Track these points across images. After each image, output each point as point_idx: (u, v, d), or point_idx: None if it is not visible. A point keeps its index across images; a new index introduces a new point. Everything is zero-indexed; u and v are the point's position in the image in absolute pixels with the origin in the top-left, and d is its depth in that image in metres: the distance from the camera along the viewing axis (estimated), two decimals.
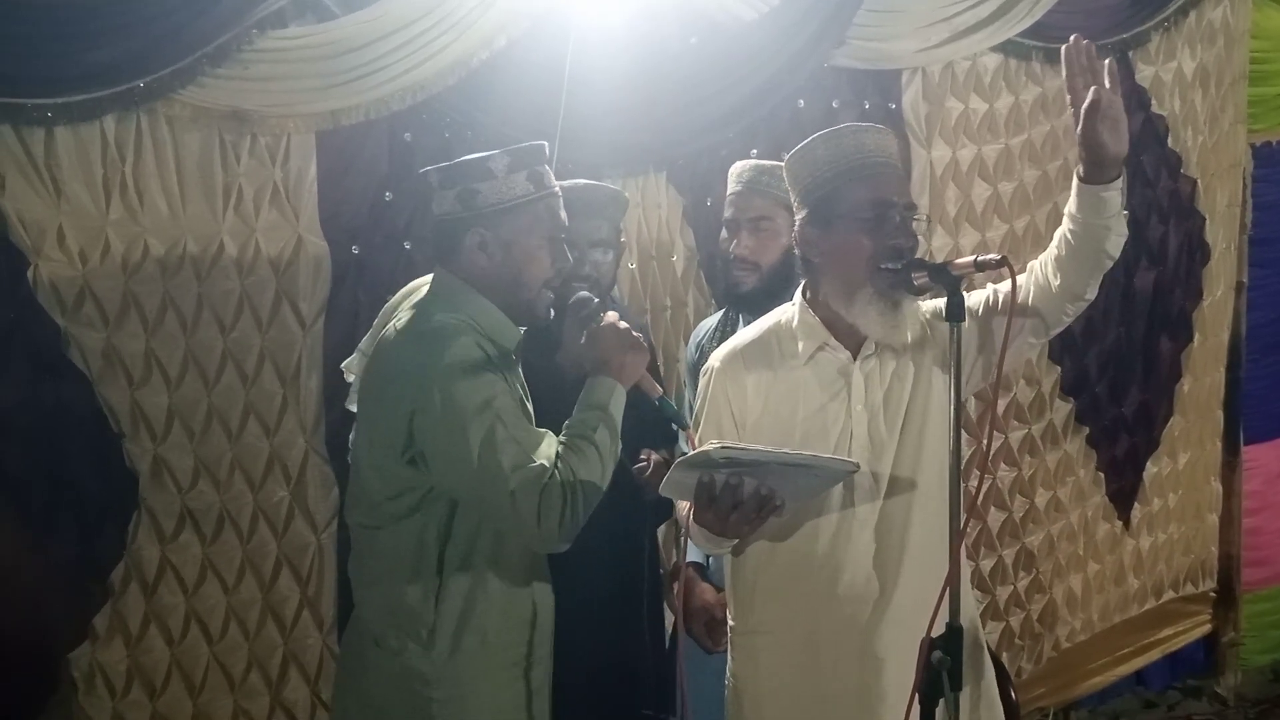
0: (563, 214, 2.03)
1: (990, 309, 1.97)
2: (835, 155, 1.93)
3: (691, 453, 1.79)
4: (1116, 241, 1.87)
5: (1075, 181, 1.84)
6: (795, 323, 2.01)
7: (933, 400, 1.96)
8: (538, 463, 1.83)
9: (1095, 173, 1.82)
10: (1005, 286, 1.88)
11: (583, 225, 2.33)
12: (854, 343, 1.97)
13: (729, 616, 2.12)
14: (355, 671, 2.08)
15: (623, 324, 2.02)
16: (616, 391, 1.96)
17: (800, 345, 1.98)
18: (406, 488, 1.92)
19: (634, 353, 2.00)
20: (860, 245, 1.89)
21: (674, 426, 2.27)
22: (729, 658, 2.11)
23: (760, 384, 2.00)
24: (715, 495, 1.80)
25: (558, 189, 2.04)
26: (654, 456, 2.22)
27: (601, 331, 2.00)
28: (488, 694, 1.99)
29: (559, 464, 1.85)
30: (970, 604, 2.00)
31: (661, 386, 2.69)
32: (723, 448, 1.75)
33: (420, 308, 1.98)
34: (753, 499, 1.80)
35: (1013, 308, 1.80)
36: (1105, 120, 1.79)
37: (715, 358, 2.07)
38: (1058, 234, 1.91)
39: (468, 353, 1.86)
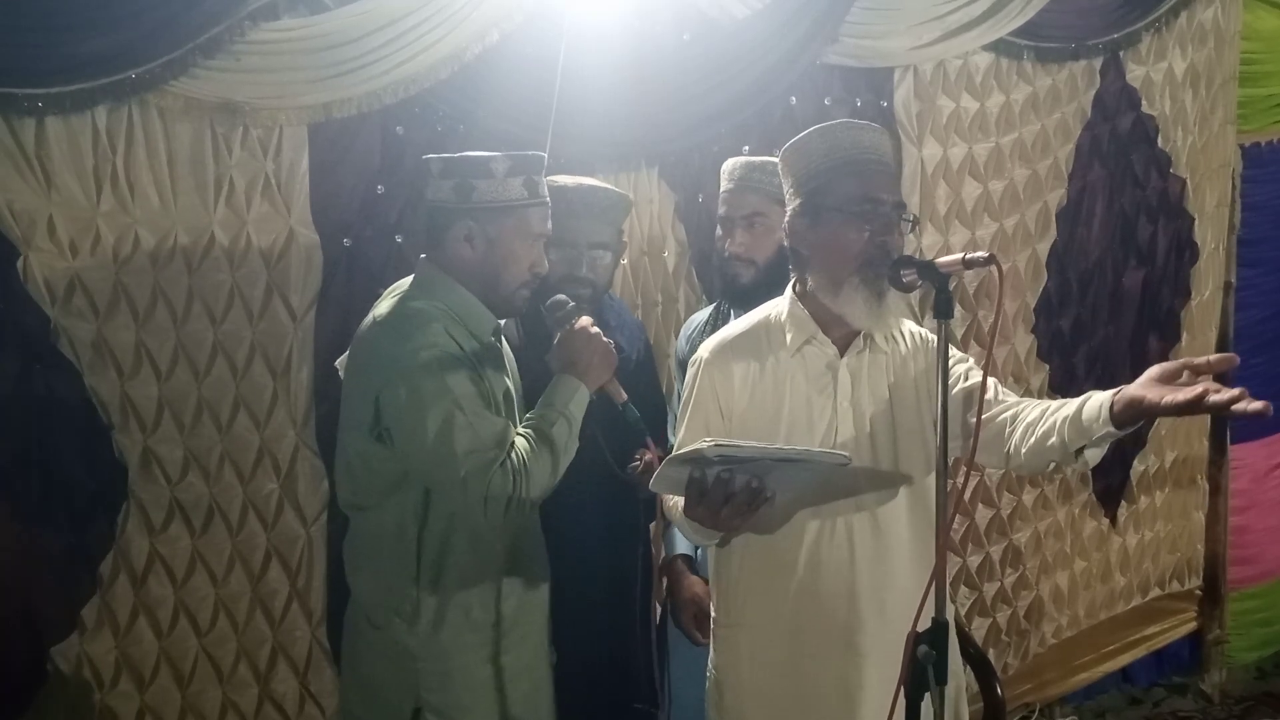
0: (548, 223, 2.13)
1: (967, 399, 1.93)
2: (830, 148, 1.95)
3: (685, 450, 1.80)
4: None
5: (1100, 412, 1.72)
6: (784, 316, 2.02)
7: (919, 400, 1.99)
8: (490, 450, 1.92)
9: (1131, 422, 1.70)
10: (981, 382, 1.86)
11: (585, 226, 2.38)
12: (842, 338, 1.98)
13: (712, 609, 2.14)
14: (352, 650, 2.20)
15: (594, 329, 2.10)
16: (579, 392, 2.06)
17: (789, 338, 2.00)
18: (381, 466, 2.02)
19: (601, 357, 2.09)
20: (848, 238, 1.91)
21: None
22: (711, 649, 2.13)
23: (748, 375, 2.01)
24: (706, 490, 1.81)
25: (548, 199, 2.13)
26: (647, 456, 2.23)
27: (573, 334, 2.09)
28: (473, 667, 2.08)
29: (511, 454, 1.93)
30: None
31: (659, 384, 2.73)
32: (716, 445, 1.75)
33: (400, 296, 2.09)
34: (744, 491, 1.81)
35: (1000, 298, 1.82)
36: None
37: (704, 348, 2.08)
38: (1048, 422, 1.81)
39: (435, 339, 1.96)
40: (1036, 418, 1.85)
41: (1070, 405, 1.80)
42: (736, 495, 1.81)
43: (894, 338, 2.02)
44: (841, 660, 1.95)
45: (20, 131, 2.25)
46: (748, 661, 2.05)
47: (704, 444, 1.75)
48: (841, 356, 1.98)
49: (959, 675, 2.06)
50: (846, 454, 1.84)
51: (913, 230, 1.99)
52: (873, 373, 1.99)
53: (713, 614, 2.13)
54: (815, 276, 1.97)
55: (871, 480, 1.96)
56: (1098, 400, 1.74)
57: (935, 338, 1.92)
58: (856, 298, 1.91)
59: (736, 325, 2.11)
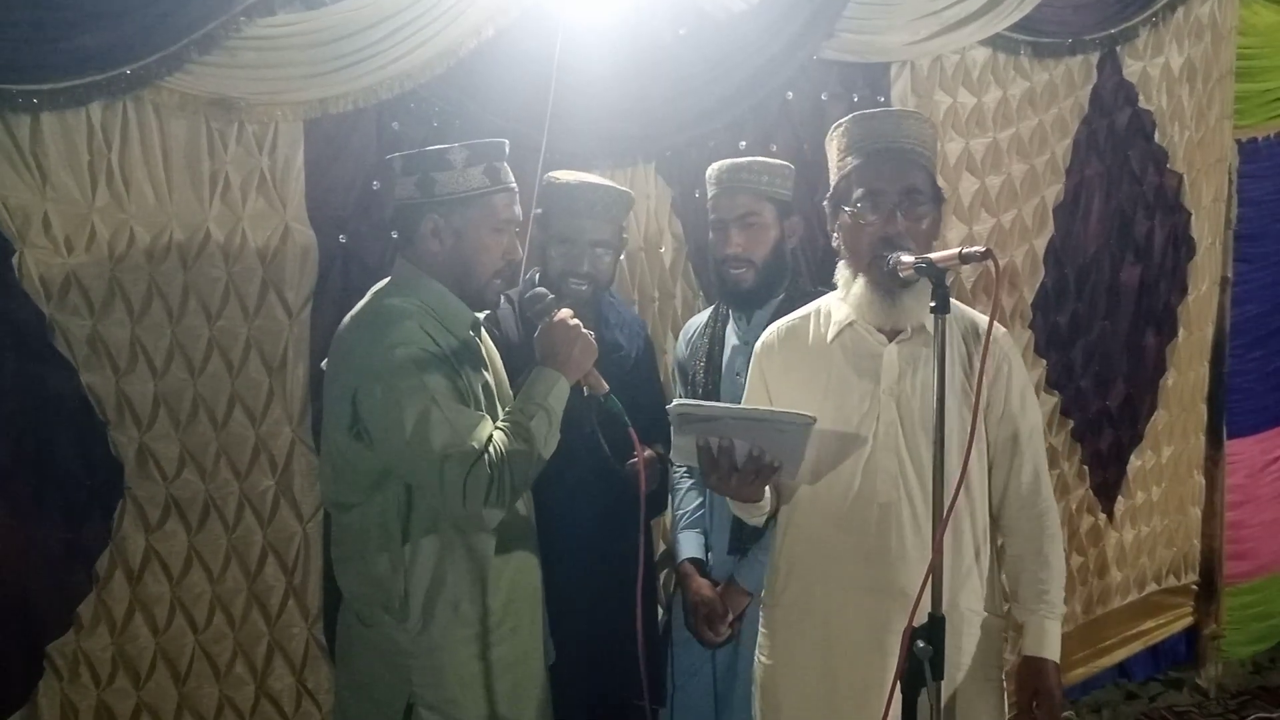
0: (517, 209, 2.13)
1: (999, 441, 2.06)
2: (844, 143, 2.01)
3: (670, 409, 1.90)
4: None
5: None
6: (833, 303, 2.06)
7: (958, 394, 1.99)
8: (468, 444, 1.91)
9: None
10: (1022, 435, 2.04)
11: (586, 224, 2.40)
12: (891, 328, 2.00)
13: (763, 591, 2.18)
14: (345, 648, 2.20)
15: (573, 321, 2.10)
16: (559, 384, 2.06)
17: (832, 323, 2.04)
18: (362, 464, 2.02)
19: (581, 349, 2.09)
20: (852, 235, 1.97)
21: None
22: (760, 629, 2.17)
23: (791, 361, 2.07)
24: (715, 458, 1.87)
25: (514, 185, 2.12)
26: (646, 453, 2.24)
27: (552, 327, 2.09)
28: (463, 662, 2.09)
29: (490, 447, 1.93)
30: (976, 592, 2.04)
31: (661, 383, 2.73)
32: (679, 403, 1.88)
33: (375, 294, 2.10)
34: (749, 462, 1.86)
35: (997, 293, 1.84)
36: None
37: (761, 337, 2.16)
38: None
39: (409, 336, 1.96)
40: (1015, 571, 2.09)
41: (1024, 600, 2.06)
42: (741, 464, 1.87)
43: (951, 327, 2.01)
44: (869, 654, 1.95)
45: (15, 128, 2.24)
46: (783, 643, 2.09)
47: (671, 405, 1.88)
48: (891, 343, 1.99)
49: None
50: (812, 415, 1.86)
51: (936, 211, 1.99)
52: (919, 361, 1.98)
53: (762, 594, 2.18)
54: (840, 268, 2.04)
55: (912, 472, 1.96)
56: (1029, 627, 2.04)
57: (998, 329, 2.02)
58: (862, 295, 1.96)
59: (792, 315, 2.16)
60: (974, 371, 2.00)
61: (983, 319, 2.07)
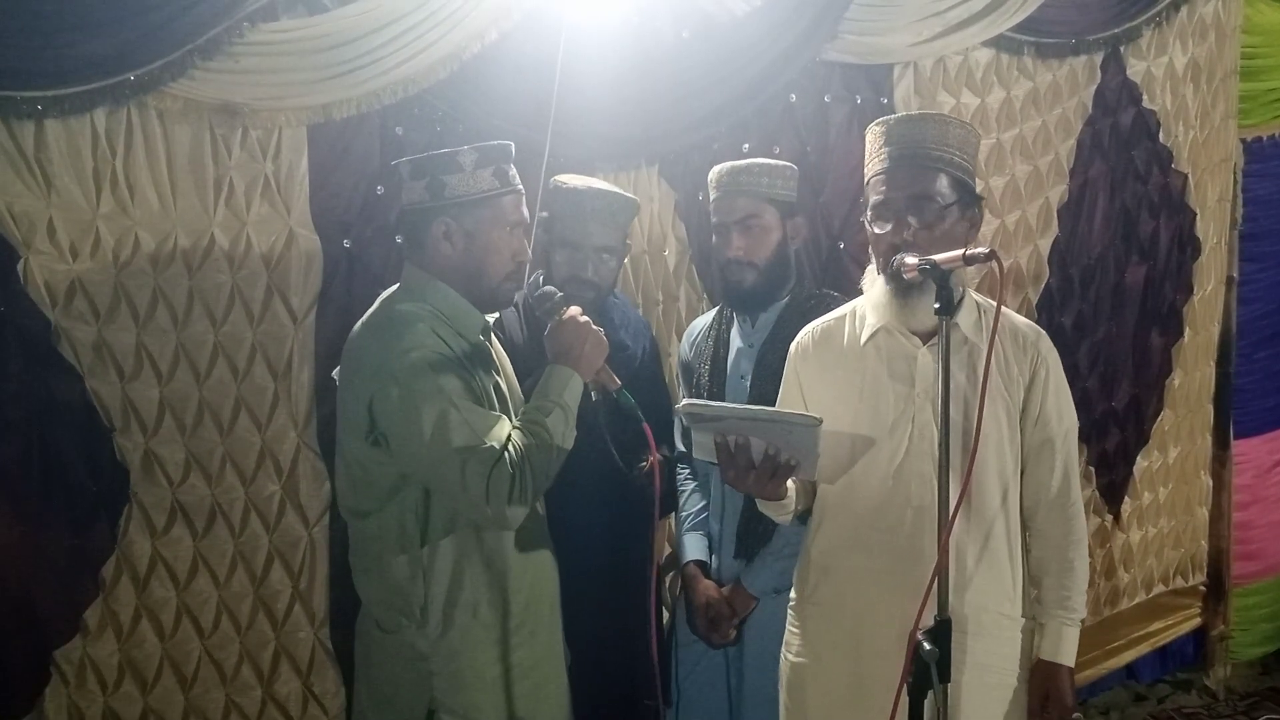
0: (523, 209, 2.13)
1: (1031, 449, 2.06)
2: (868, 151, 2.04)
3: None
4: None
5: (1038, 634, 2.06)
6: (868, 306, 2.07)
7: (998, 394, 1.99)
8: (488, 444, 1.91)
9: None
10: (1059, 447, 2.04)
11: (593, 229, 2.40)
12: (927, 329, 2.00)
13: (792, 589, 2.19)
14: (365, 656, 2.19)
15: (583, 318, 2.11)
16: (572, 380, 2.06)
17: (866, 326, 2.05)
18: (379, 471, 2.01)
19: (592, 345, 2.09)
20: (871, 237, 1.99)
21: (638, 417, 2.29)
22: (787, 627, 2.19)
23: (825, 362, 2.08)
24: (732, 455, 1.89)
25: (520, 187, 2.13)
26: (655, 456, 2.24)
27: (563, 325, 2.10)
28: (484, 666, 2.08)
29: (509, 446, 1.93)
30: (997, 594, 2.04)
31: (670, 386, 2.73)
32: (688, 403, 1.91)
33: (385, 300, 2.11)
34: (765, 460, 1.88)
35: (1001, 294, 1.85)
36: None
37: (797, 338, 2.17)
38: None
39: (423, 340, 1.96)
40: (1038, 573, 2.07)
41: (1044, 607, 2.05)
42: (757, 462, 1.88)
43: (986, 329, 2.02)
44: (898, 655, 1.90)
45: (20, 134, 2.24)
46: (813, 642, 2.09)
47: (679, 404, 1.92)
48: (925, 346, 2.00)
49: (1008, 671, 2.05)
50: (818, 416, 1.85)
51: (963, 214, 1.98)
52: (956, 366, 1.97)
53: (792, 592, 2.19)
54: (867, 274, 2.06)
55: (946, 474, 1.92)
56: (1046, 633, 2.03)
57: (1038, 333, 2.05)
58: (882, 296, 1.98)
59: (829, 315, 2.17)
60: (1011, 377, 2.01)
61: (1024, 323, 2.08)
